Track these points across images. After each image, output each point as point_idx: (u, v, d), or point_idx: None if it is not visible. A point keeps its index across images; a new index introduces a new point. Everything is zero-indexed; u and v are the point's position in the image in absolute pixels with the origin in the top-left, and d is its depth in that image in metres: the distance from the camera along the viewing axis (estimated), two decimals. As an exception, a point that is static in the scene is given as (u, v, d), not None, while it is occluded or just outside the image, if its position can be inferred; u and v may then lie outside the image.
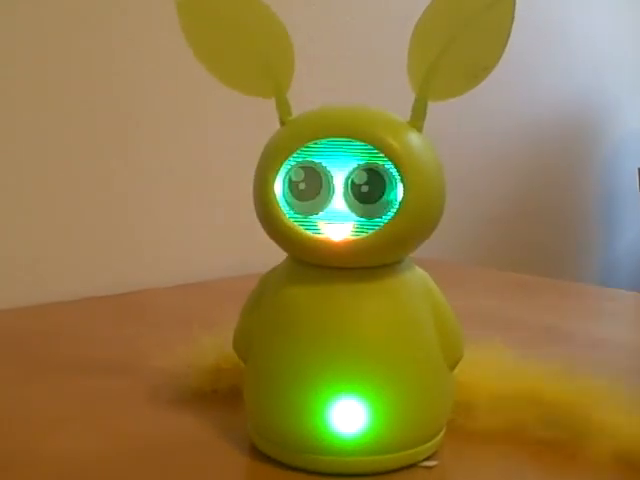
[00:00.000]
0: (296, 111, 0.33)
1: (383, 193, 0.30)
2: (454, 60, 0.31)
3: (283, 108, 0.32)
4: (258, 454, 0.33)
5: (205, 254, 0.69)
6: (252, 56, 0.32)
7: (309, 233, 0.30)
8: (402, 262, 0.32)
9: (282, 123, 0.32)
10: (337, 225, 0.30)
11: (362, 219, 0.30)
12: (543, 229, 1.05)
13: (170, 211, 0.67)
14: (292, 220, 0.31)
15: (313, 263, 0.32)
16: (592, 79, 1.11)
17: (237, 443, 0.34)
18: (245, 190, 0.59)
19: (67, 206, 0.61)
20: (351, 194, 0.30)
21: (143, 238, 0.65)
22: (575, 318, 0.59)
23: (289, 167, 0.30)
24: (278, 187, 0.31)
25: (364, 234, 0.30)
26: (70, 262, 0.61)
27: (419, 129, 0.31)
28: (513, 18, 0.30)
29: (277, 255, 0.34)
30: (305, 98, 0.34)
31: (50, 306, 0.57)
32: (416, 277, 0.33)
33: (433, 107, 0.32)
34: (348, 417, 0.31)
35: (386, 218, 0.30)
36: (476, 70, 0.31)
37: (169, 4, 0.33)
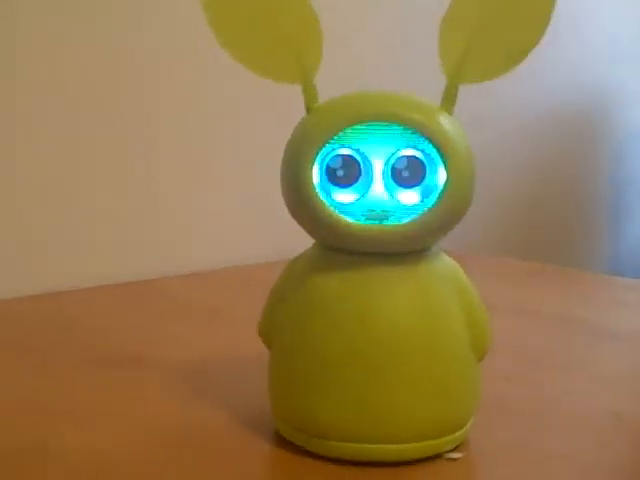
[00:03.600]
0: (322, 97, 0.32)
1: (424, 178, 0.30)
2: (489, 42, 0.30)
3: (310, 94, 0.31)
4: (282, 441, 0.33)
5: (218, 243, 0.69)
6: (279, 40, 0.31)
7: (350, 221, 0.30)
8: (432, 249, 0.32)
9: (308, 110, 0.32)
10: (378, 211, 0.30)
11: (403, 205, 0.30)
12: (553, 218, 1.05)
13: (182, 200, 0.66)
14: (332, 208, 0.30)
15: (349, 250, 0.31)
16: (603, 70, 1.11)
17: (261, 431, 0.34)
18: (258, 180, 0.59)
19: (79, 194, 0.61)
20: (391, 179, 0.30)
21: (155, 226, 0.65)
22: (591, 307, 0.58)
23: (326, 153, 0.30)
24: (315, 174, 0.30)
25: (405, 220, 0.30)
26: (82, 251, 0.61)
27: (450, 113, 0.31)
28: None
29: (290, 243, 0.33)
30: (328, 85, 0.33)
31: (62, 294, 0.57)
32: (446, 266, 0.33)
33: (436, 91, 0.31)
34: (373, 405, 0.30)
35: (427, 203, 0.30)
36: (513, 53, 0.30)
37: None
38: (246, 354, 0.42)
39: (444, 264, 0.32)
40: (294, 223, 0.32)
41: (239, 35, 0.32)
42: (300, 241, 0.34)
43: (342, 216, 0.30)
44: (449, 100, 0.31)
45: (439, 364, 0.31)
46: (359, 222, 0.30)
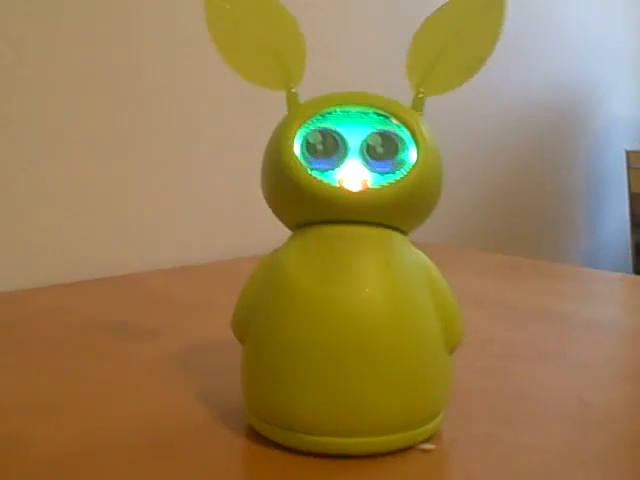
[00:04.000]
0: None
1: (396, 154, 0.32)
2: (452, 58, 0.33)
3: (293, 101, 0.33)
4: (255, 436, 0.33)
5: (198, 237, 0.69)
6: (266, 50, 0.34)
7: (329, 183, 0.31)
8: (405, 239, 0.33)
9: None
10: (355, 177, 0.32)
11: (377, 174, 0.32)
12: (530, 212, 1.06)
13: (167, 194, 0.66)
14: (310, 171, 0.31)
15: (326, 219, 0.32)
16: (580, 64, 1.12)
17: (234, 425, 0.34)
18: (238, 174, 0.60)
19: (61, 190, 0.60)
20: (366, 154, 0.32)
21: (137, 221, 0.65)
22: (567, 299, 0.59)
23: (306, 132, 0.32)
24: (296, 148, 0.32)
25: (381, 184, 0.31)
26: (64, 245, 0.61)
27: None
28: (504, 18, 0.33)
29: (270, 238, 0.33)
30: (306, 92, 0.35)
31: (45, 289, 0.56)
32: (418, 258, 0.33)
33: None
34: (343, 396, 0.30)
35: (400, 173, 0.32)
36: (471, 64, 0.34)
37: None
38: (224, 348, 0.41)
39: (416, 255, 0.33)
40: (275, 217, 0.33)
41: (235, 47, 0.34)
42: (281, 235, 0.34)
43: (322, 181, 0.31)
44: (417, 110, 0.33)
45: (409, 356, 0.31)
46: (337, 186, 0.31)
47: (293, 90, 0.33)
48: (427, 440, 0.32)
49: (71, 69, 0.60)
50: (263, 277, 0.33)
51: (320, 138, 0.32)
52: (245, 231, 0.71)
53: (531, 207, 1.06)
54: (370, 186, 0.31)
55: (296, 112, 0.33)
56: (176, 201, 0.68)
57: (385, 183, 0.31)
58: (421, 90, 0.33)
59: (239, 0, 0.34)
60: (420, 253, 0.33)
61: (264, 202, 0.34)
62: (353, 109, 0.32)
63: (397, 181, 0.31)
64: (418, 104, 0.33)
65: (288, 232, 0.34)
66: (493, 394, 0.39)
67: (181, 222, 0.68)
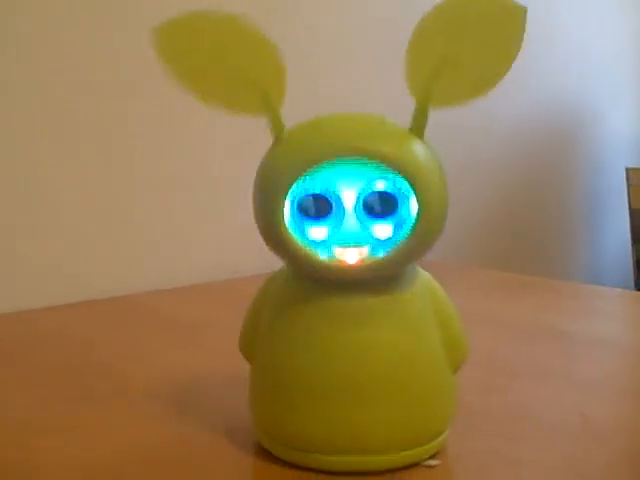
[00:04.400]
0: (288, 120, 0.31)
1: (396, 209, 0.30)
2: (458, 68, 0.30)
3: (277, 124, 0.31)
4: (265, 454, 0.34)
5: (200, 257, 0.69)
6: (238, 75, 0.31)
7: (323, 258, 0.30)
8: (407, 269, 0.33)
9: (276, 139, 0.31)
10: (351, 248, 0.30)
11: (376, 239, 0.30)
12: (530, 229, 1.06)
13: (166, 215, 0.67)
14: (304, 244, 0.30)
15: (322, 281, 0.31)
16: (581, 82, 1.12)
17: (243, 444, 0.35)
18: (243, 194, 0.59)
19: (63, 210, 0.61)
20: (363, 213, 0.30)
21: (138, 242, 0.66)
22: (569, 316, 0.59)
23: (296, 192, 0.30)
24: (286, 211, 0.30)
25: (379, 253, 0.30)
26: (65, 266, 0.61)
27: (421, 137, 0.31)
28: (524, 28, 0.30)
29: (272, 257, 0.33)
30: (296, 107, 0.33)
31: (45, 310, 0.57)
32: (420, 281, 0.33)
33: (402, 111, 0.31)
34: (349, 417, 0.31)
35: (401, 235, 0.30)
36: (481, 82, 0.31)
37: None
38: (229, 369, 0.42)
39: (419, 281, 0.33)
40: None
41: (196, 74, 0.31)
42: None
43: (316, 254, 0.30)
44: (419, 124, 0.31)
45: (417, 379, 0.32)
46: (332, 258, 0.30)
47: (276, 114, 0.31)
48: (432, 456, 0.33)
49: (78, 83, 0.60)
50: (267, 299, 0.34)
51: (312, 201, 0.30)
52: (247, 251, 0.71)
53: (532, 224, 1.07)
54: (368, 257, 0.30)
55: (283, 168, 0.30)
56: (177, 222, 0.68)
57: (385, 250, 0.30)
58: (423, 103, 0.30)
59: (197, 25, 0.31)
60: (423, 275, 0.34)
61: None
62: (347, 159, 0.29)
63: (397, 246, 0.30)
64: (420, 117, 0.31)
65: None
66: (497, 411, 0.40)
67: (182, 242, 0.69)
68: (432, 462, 0.33)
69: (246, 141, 0.70)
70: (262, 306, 0.34)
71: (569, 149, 1.13)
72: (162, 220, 0.67)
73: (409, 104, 0.31)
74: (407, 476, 0.32)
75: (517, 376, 0.45)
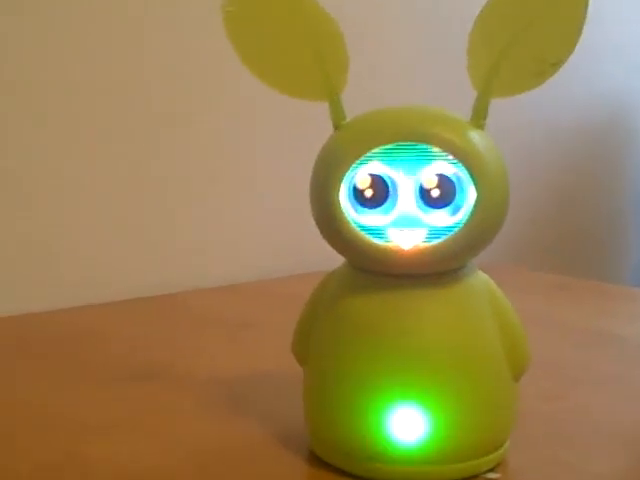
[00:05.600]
0: (348, 113, 0.32)
1: (454, 197, 0.29)
2: (520, 56, 0.30)
3: (337, 111, 0.31)
4: (316, 461, 0.32)
5: (243, 256, 0.69)
6: (304, 58, 0.31)
7: (378, 242, 0.29)
8: (465, 266, 0.32)
9: (336, 127, 0.31)
10: (407, 232, 0.29)
11: (433, 225, 0.29)
12: (578, 230, 1.04)
13: (208, 213, 0.66)
14: (359, 229, 0.30)
15: (378, 271, 0.31)
16: (630, 77, 1.10)
17: (295, 449, 0.33)
18: (283, 191, 0.59)
19: (102, 209, 0.61)
20: (421, 199, 0.29)
21: (181, 240, 0.65)
22: (622, 320, 0.58)
23: (354, 174, 0.29)
24: (342, 194, 0.30)
25: (436, 240, 0.29)
26: (108, 265, 0.61)
27: (481, 128, 0.31)
28: (587, 10, 0.29)
29: (317, 255, 0.32)
30: (356, 100, 0.33)
31: (89, 308, 0.57)
32: (480, 282, 0.32)
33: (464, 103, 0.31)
34: (408, 425, 0.30)
35: (459, 223, 0.29)
36: (544, 66, 0.30)
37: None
38: (278, 368, 0.41)
39: (478, 281, 0.32)
40: (319, 235, 0.32)
41: (263, 54, 0.31)
42: (326, 255, 0.34)
43: (370, 239, 0.30)
44: (479, 114, 0.30)
45: (477, 385, 0.30)
46: (387, 245, 0.30)
47: (338, 100, 0.31)
48: (493, 469, 0.32)
49: (83, 72, 0.59)
50: (323, 300, 0.33)
51: (369, 182, 0.29)
52: (289, 250, 0.71)
53: (579, 224, 1.04)
54: (424, 243, 0.29)
55: (341, 151, 0.30)
56: (220, 219, 0.68)
57: (442, 237, 0.29)
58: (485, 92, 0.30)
59: (262, 4, 0.31)
60: (483, 277, 0.32)
61: (306, 220, 0.32)
62: (406, 144, 0.29)
63: (454, 234, 0.29)
64: (481, 108, 0.30)
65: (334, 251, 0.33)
66: (556, 419, 0.38)
67: (225, 240, 0.68)
68: (492, 475, 0.31)
69: (289, 140, 0.70)
70: (318, 305, 0.33)
71: (618, 147, 1.10)
72: (201, 218, 0.67)
73: (469, 100, 0.31)
74: (467, 488, 0.31)
75: (577, 382, 0.43)
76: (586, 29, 0.30)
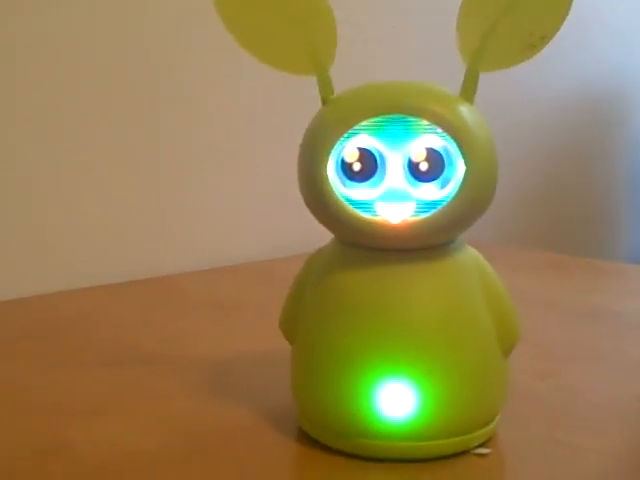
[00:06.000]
0: (336, 88, 0.31)
1: (442, 171, 0.29)
2: (509, 29, 0.29)
3: (326, 86, 0.31)
4: (306, 438, 0.32)
5: (235, 237, 0.69)
6: (293, 32, 0.30)
7: (366, 216, 0.29)
8: (454, 241, 0.31)
9: (324, 102, 0.31)
10: (396, 205, 0.29)
11: (422, 199, 0.29)
12: (574, 208, 1.04)
13: (200, 194, 0.66)
14: (348, 203, 0.29)
15: (366, 246, 0.30)
16: (624, 55, 1.09)
17: (284, 427, 0.33)
18: (276, 173, 0.58)
19: (92, 192, 0.60)
20: (409, 173, 0.29)
21: (173, 222, 0.65)
22: (616, 297, 0.58)
23: (342, 147, 0.29)
24: (331, 168, 0.29)
25: (424, 214, 0.29)
26: (97, 248, 0.61)
27: (471, 102, 0.30)
28: None
29: (309, 236, 0.32)
30: (343, 75, 0.33)
31: (78, 292, 0.56)
32: (469, 257, 0.32)
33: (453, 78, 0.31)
34: (397, 401, 0.30)
35: (447, 197, 0.29)
36: (533, 39, 0.30)
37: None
38: (267, 349, 0.41)
39: (468, 257, 0.32)
40: (312, 216, 0.32)
41: (251, 27, 0.31)
42: (319, 234, 0.33)
43: (359, 212, 0.29)
44: (469, 88, 0.30)
45: (466, 360, 0.30)
46: (376, 219, 0.29)
47: (326, 75, 0.31)
48: (483, 444, 0.32)
49: (80, 70, 0.59)
50: (310, 277, 0.33)
51: (357, 155, 0.29)
52: (279, 231, 0.70)
53: (575, 203, 1.04)
54: (413, 216, 0.29)
55: (329, 124, 0.30)
56: (211, 202, 0.67)
57: (431, 211, 0.29)
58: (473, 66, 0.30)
59: None
60: (473, 252, 0.32)
61: (298, 201, 0.32)
62: (393, 116, 0.29)
63: (442, 208, 0.29)
64: (469, 82, 0.30)
65: (326, 231, 0.32)
66: (548, 395, 0.38)
67: (214, 222, 0.67)
68: (483, 450, 0.31)
69: (279, 122, 0.69)
70: (305, 282, 0.32)
71: (611, 125, 1.10)
72: (195, 200, 0.66)
73: (460, 75, 0.31)
74: (456, 465, 0.30)
75: (568, 359, 0.43)
76: (578, 7, 0.30)
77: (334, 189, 0.29)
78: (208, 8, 0.31)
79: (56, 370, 0.41)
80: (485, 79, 0.31)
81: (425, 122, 0.28)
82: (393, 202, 0.29)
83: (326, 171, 0.29)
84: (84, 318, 0.50)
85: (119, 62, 0.60)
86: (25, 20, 0.56)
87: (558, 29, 0.30)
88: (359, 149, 0.29)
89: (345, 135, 0.29)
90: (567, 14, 0.30)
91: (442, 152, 0.29)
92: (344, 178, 0.30)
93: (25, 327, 0.49)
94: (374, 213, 0.29)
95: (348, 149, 0.29)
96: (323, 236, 0.33)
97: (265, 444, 0.32)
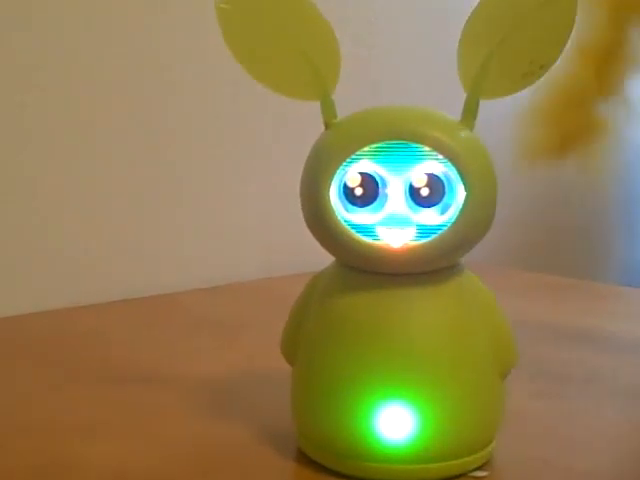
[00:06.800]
0: (340, 113, 0.32)
1: (443, 196, 0.29)
2: (508, 57, 0.30)
3: (329, 110, 0.31)
4: (304, 459, 0.32)
5: (235, 256, 0.69)
6: (296, 57, 0.31)
7: (368, 241, 0.30)
8: (455, 266, 0.32)
9: (327, 126, 0.31)
10: (397, 230, 0.30)
11: (422, 224, 0.30)
12: (564, 229, 1.04)
13: (200, 213, 0.66)
14: (349, 227, 0.30)
15: (368, 270, 0.31)
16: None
17: (283, 448, 0.33)
18: (275, 192, 0.58)
19: (95, 208, 0.60)
20: (410, 198, 0.30)
21: (173, 239, 0.65)
22: (611, 319, 0.58)
23: (344, 172, 0.30)
24: (333, 193, 0.30)
25: (424, 239, 0.29)
26: (99, 265, 0.61)
27: (471, 128, 0.31)
28: (575, 14, 0.30)
29: (310, 257, 0.33)
30: (346, 100, 0.33)
31: (80, 309, 0.56)
32: (469, 282, 0.32)
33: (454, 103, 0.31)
34: (395, 424, 0.30)
35: (447, 222, 0.29)
36: (533, 67, 0.30)
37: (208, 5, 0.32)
38: (266, 368, 0.41)
39: (467, 281, 0.32)
40: (312, 235, 0.32)
41: (256, 53, 0.32)
42: (320, 255, 0.34)
43: (360, 237, 0.30)
44: (469, 115, 0.31)
45: (464, 384, 0.31)
46: (377, 243, 0.30)
47: (329, 99, 0.31)
48: (480, 467, 0.32)
49: (89, 74, 0.59)
50: (312, 300, 0.33)
51: (359, 180, 0.30)
52: (279, 250, 0.71)
53: (566, 224, 1.05)
54: (413, 241, 0.29)
55: (332, 149, 0.30)
56: (214, 220, 0.67)
57: (431, 236, 0.29)
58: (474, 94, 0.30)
59: (255, 2, 0.31)
60: (472, 276, 0.33)
61: (299, 220, 0.32)
62: (396, 143, 0.29)
63: (443, 233, 0.29)
64: (470, 109, 0.31)
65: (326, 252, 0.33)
66: (544, 417, 0.38)
67: (214, 240, 0.67)
68: (480, 473, 0.31)
69: (282, 141, 0.70)
70: (307, 304, 0.33)
71: (608, 145, 1.10)
72: (196, 219, 0.66)
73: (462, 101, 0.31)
74: (454, 487, 0.31)
75: (563, 381, 0.43)
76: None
77: (336, 213, 0.30)
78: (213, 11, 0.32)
79: (55, 388, 0.41)
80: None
81: (426, 148, 0.29)
82: (394, 227, 0.30)
83: (328, 195, 0.30)
84: (84, 336, 0.51)
85: (121, 65, 0.61)
86: (26, 21, 0.56)
87: (558, 57, 0.30)
88: (361, 174, 0.30)
89: (347, 161, 0.29)
90: (566, 42, 0.30)
91: (443, 178, 0.29)
92: (346, 202, 0.30)
93: (24, 344, 0.49)
94: (375, 237, 0.30)
95: (350, 174, 0.30)
96: (323, 256, 0.33)
97: (264, 464, 0.32)
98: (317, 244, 0.32)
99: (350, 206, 0.30)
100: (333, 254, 0.32)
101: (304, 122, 0.34)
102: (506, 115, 0.91)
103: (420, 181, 0.29)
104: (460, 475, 0.31)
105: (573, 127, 0.47)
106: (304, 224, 0.32)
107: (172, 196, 0.65)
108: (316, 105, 0.32)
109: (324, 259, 0.33)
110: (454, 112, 0.31)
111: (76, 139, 0.59)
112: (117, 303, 0.58)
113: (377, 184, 0.30)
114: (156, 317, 0.56)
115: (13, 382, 0.42)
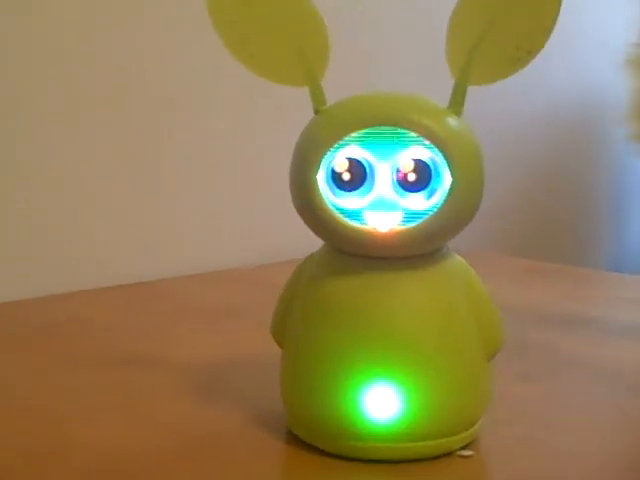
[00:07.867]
0: (328, 99, 0.32)
1: (429, 181, 0.30)
2: (496, 43, 0.30)
3: (318, 97, 0.32)
4: (293, 439, 0.33)
5: (225, 243, 0.69)
6: (285, 43, 0.31)
7: (355, 224, 0.30)
8: (441, 249, 0.32)
9: (316, 112, 0.32)
10: (384, 215, 0.30)
11: (409, 208, 0.30)
12: (555, 216, 1.05)
13: (190, 200, 0.66)
14: (337, 211, 0.30)
15: (355, 253, 0.31)
16: (608, 70, 1.10)
17: (274, 430, 0.34)
18: (267, 179, 0.59)
19: (87, 194, 0.61)
20: (397, 183, 0.30)
21: (164, 226, 0.65)
22: (596, 304, 0.59)
23: (332, 157, 0.30)
24: (321, 178, 0.30)
25: (411, 223, 0.30)
26: (90, 252, 0.61)
27: (458, 114, 0.31)
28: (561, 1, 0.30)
29: (300, 243, 0.33)
30: (336, 86, 0.33)
31: (70, 295, 0.57)
32: (455, 265, 0.33)
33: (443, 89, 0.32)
34: (382, 403, 0.31)
35: (434, 207, 0.30)
36: (519, 53, 0.31)
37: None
38: (257, 354, 0.42)
39: (454, 264, 0.33)
40: (302, 222, 0.33)
41: (245, 39, 0.32)
42: (310, 241, 0.34)
43: (348, 221, 0.30)
44: (457, 101, 0.31)
45: (450, 364, 0.31)
46: (364, 227, 0.30)
47: (318, 86, 0.32)
48: (466, 446, 0.32)
49: (79, 70, 0.59)
50: (300, 283, 0.33)
51: (347, 165, 0.30)
52: (269, 237, 0.71)
53: (556, 211, 1.05)
54: (400, 225, 0.30)
55: (320, 135, 0.31)
56: (202, 207, 0.68)
57: (417, 220, 0.30)
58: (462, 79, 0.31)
59: None
60: (458, 259, 0.33)
61: (289, 207, 0.33)
62: (383, 128, 0.30)
63: (429, 217, 0.30)
64: (458, 95, 0.31)
65: (317, 238, 0.33)
66: (529, 399, 0.39)
67: (205, 228, 0.68)
68: (466, 452, 0.32)
69: (271, 129, 0.70)
70: (296, 287, 0.33)
71: (597, 134, 1.11)
72: (184, 206, 0.67)
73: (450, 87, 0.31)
74: (439, 466, 0.31)
75: (548, 364, 0.44)
76: (563, 21, 0.31)
77: (324, 198, 0.30)
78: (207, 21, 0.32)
79: (49, 373, 0.41)
80: (470, 89, 0.32)
81: (413, 134, 0.29)
82: (381, 211, 0.30)
83: (316, 180, 0.30)
84: (76, 321, 0.51)
85: (122, 66, 0.61)
86: (26, 23, 0.56)
87: (544, 43, 0.31)
88: (349, 159, 0.30)
89: (335, 146, 0.30)
90: (553, 28, 0.30)
91: (429, 163, 0.30)
92: (334, 187, 0.31)
93: (18, 330, 0.49)
94: (363, 222, 0.30)
95: (338, 159, 0.30)
96: (313, 242, 0.34)
97: (255, 446, 0.33)
98: (307, 231, 0.33)
99: (338, 191, 0.31)
100: (322, 238, 0.33)
101: (295, 110, 0.35)
102: (497, 107, 0.92)
103: (407, 166, 0.30)
104: (446, 454, 0.32)
105: None
106: (293, 211, 0.33)
107: (160, 184, 0.65)
108: (307, 93, 0.32)
109: (314, 246, 0.34)
110: (443, 99, 0.32)
111: (66, 129, 0.59)
112: (107, 289, 0.59)
113: (364, 169, 0.30)
114: (145, 304, 0.56)
115: (7, 367, 0.42)
